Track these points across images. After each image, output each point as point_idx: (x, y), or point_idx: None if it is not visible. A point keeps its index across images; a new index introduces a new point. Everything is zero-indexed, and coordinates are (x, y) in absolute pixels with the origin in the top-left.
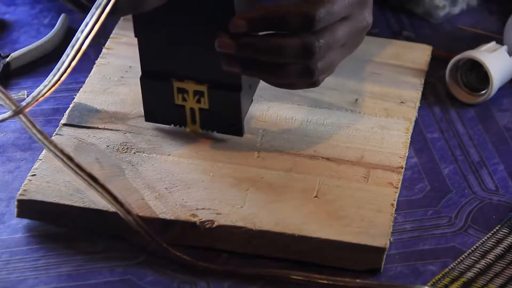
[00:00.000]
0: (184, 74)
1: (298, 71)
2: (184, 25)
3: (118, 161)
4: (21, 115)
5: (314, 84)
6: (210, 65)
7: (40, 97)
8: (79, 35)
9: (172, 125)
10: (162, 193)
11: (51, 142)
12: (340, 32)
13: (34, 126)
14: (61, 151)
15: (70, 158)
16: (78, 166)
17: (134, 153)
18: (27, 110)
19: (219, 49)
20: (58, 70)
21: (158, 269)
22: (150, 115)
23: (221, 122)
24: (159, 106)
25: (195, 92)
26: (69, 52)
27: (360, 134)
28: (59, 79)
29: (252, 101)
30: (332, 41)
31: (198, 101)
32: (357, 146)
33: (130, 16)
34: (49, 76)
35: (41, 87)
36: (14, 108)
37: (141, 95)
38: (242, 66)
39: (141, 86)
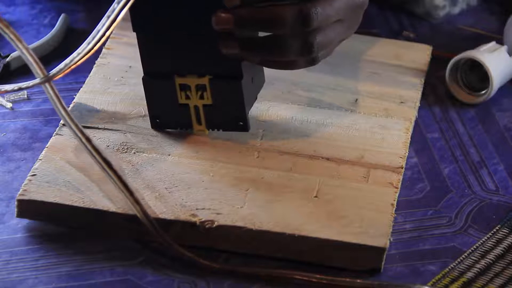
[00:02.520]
0: (185, 68)
1: (297, 45)
2: (182, 16)
3: (118, 161)
4: (47, 84)
5: (313, 61)
6: (210, 56)
7: (72, 65)
8: (116, 6)
9: (179, 128)
10: (162, 193)
11: (72, 120)
12: (336, 3)
13: (58, 99)
14: (81, 131)
15: (88, 140)
16: (95, 148)
17: (134, 153)
18: (57, 78)
19: (217, 27)
20: (93, 38)
21: (158, 269)
22: (156, 120)
23: (225, 117)
24: (164, 108)
25: (197, 87)
26: (105, 22)
27: (360, 134)
28: (92, 48)
29: (256, 98)
30: (329, 10)
31: (201, 97)
32: (357, 146)
33: (129, 16)
34: (82, 45)
35: (74, 54)
36: (42, 76)
37: (141, 95)
38: (240, 45)
39: (144, 87)
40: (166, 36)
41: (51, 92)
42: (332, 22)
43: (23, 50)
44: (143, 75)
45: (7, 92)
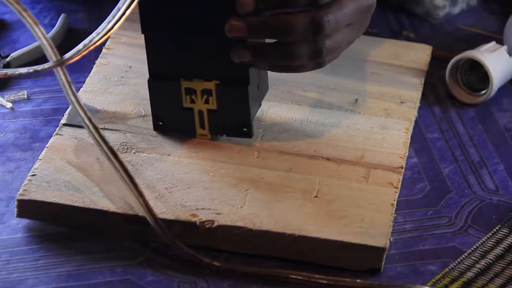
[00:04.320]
0: (191, 72)
1: (307, 50)
2: (192, 19)
3: None
4: (59, 68)
5: (320, 64)
6: (218, 62)
7: (91, 45)
8: None
9: (181, 132)
10: (162, 193)
11: (82, 108)
12: (347, 8)
13: (70, 84)
14: (90, 119)
15: (96, 129)
16: (102, 138)
17: (134, 153)
18: (72, 61)
19: (230, 34)
20: (113, 17)
21: (158, 269)
22: (158, 123)
23: (229, 123)
24: (167, 111)
25: (203, 91)
26: (124, 0)
27: (360, 134)
28: (112, 28)
29: (260, 105)
30: (340, 17)
31: (206, 102)
32: (357, 146)
33: (130, 16)
34: (102, 24)
35: (93, 34)
36: (55, 59)
37: (141, 95)
38: (252, 53)
39: (149, 89)
40: (175, 39)
41: (62, 76)
42: (341, 27)
43: (39, 34)
44: (148, 76)
45: (21, 74)
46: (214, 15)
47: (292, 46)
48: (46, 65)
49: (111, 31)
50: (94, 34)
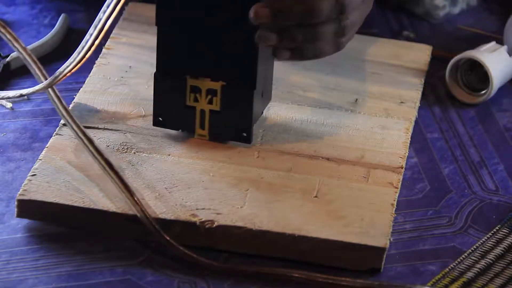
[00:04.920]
0: (199, 71)
1: (331, 29)
2: (207, 18)
3: (118, 161)
4: (49, 89)
5: (339, 46)
6: (227, 62)
7: (67, 73)
8: (102, 16)
9: (180, 130)
10: (162, 193)
11: (74, 121)
12: None
13: (61, 102)
14: (83, 132)
15: (90, 141)
16: (97, 149)
17: (134, 153)
18: (61, 80)
19: (255, 21)
20: (83, 48)
21: (158, 269)
22: (158, 119)
23: (230, 126)
24: (169, 108)
25: (208, 91)
26: (92, 31)
27: (360, 134)
28: (84, 56)
29: (262, 113)
30: None
31: (210, 102)
32: (357, 146)
33: (130, 16)
34: (74, 54)
35: (67, 63)
36: (45, 81)
37: (141, 95)
38: (278, 36)
39: (154, 83)
40: (187, 36)
41: (53, 95)
42: (359, 3)
43: (21, 50)
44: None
45: (10, 98)
46: (229, 16)
47: (317, 27)
48: (36, 88)
49: (83, 60)
50: (67, 63)
